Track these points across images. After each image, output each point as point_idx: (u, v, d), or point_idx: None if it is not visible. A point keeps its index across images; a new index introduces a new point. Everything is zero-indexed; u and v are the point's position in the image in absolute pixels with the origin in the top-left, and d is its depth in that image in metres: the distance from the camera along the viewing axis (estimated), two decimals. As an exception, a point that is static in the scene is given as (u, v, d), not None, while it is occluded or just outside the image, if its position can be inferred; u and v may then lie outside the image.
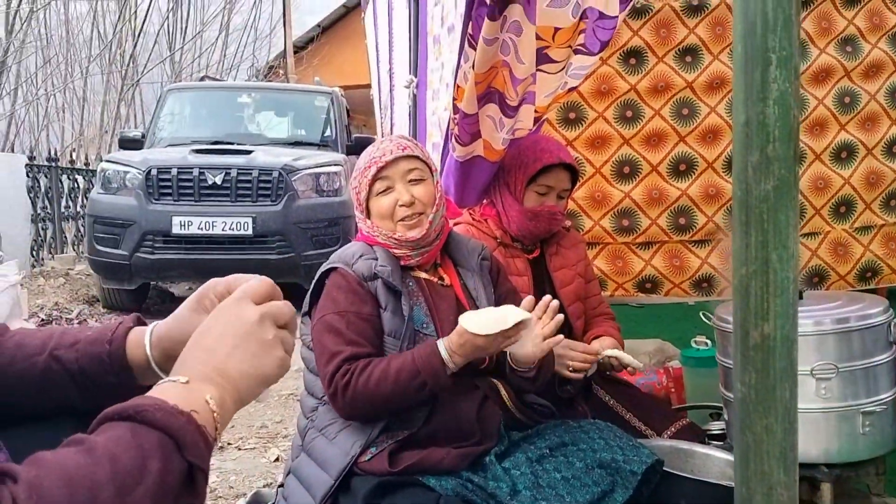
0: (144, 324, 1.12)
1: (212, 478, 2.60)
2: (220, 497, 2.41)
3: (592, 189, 3.52)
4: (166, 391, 0.83)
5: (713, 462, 2.11)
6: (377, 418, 1.73)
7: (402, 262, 1.89)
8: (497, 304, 1.98)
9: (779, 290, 0.63)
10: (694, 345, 2.90)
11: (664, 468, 1.85)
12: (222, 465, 2.74)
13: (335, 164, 6.55)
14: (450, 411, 1.77)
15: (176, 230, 6.00)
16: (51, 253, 8.09)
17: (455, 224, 2.48)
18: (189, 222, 6.02)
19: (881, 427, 1.95)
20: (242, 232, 6.04)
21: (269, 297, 0.96)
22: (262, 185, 6.13)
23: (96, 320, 5.98)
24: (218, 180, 6.11)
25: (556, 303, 1.74)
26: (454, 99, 2.12)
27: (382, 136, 3.11)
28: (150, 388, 1.08)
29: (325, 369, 1.73)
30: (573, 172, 2.38)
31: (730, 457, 2.09)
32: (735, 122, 0.66)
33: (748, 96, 0.64)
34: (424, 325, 1.82)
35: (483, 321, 1.64)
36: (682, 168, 3.54)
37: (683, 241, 3.60)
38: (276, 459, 2.77)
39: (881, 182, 3.63)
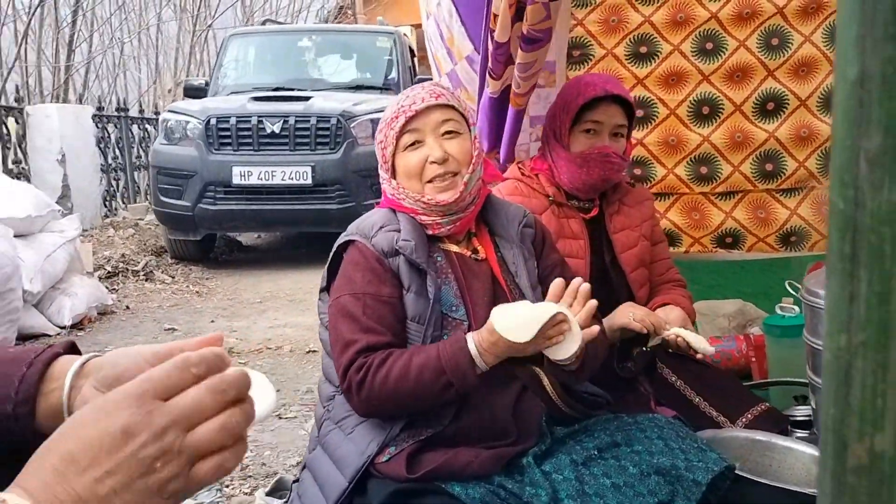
0: (78, 352, 0.89)
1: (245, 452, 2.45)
2: (251, 476, 2.25)
3: (666, 133, 3.16)
4: None
5: (796, 457, 1.81)
6: (398, 417, 1.51)
7: (431, 232, 1.63)
8: (541, 279, 1.71)
9: (908, 378, 0.35)
10: (779, 311, 2.55)
11: (737, 472, 1.57)
12: (259, 436, 2.59)
13: (397, 109, 6.28)
14: (483, 406, 1.53)
15: (236, 181, 5.91)
16: (123, 203, 8.17)
17: (504, 180, 2.20)
18: (249, 172, 5.90)
19: None
20: (301, 182, 5.89)
21: (182, 385, 0.63)
22: (320, 132, 5.94)
23: (162, 271, 5.98)
24: (276, 129, 5.95)
25: (586, 286, 1.45)
26: (490, 30, 1.83)
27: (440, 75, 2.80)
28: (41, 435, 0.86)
29: (339, 360, 1.51)
30: (627, 107, 2.04)
31: (815, 451, 1.79)
32: (838, 78, 0.37)
33: (867, 34, 0.35)
34: (454, 308, 1.57)
35: (515, 323, 1.38)
36: (770, 107, 3.12)
37: (770, 189, 3.21)
38: (316, 433, 2.61)
39: (814, 139, 3.11)
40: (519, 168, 2.18)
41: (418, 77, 7.52)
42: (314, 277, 5.97)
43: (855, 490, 0.37)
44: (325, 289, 1.69)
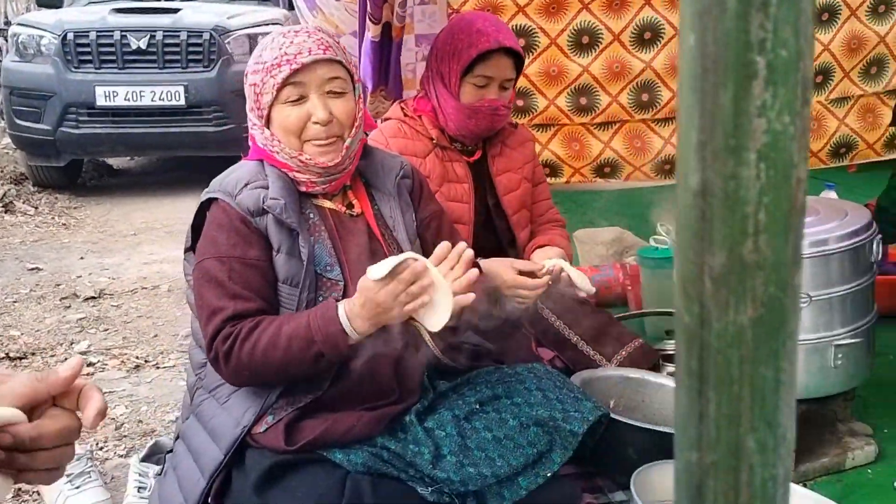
0: None
1: (120, 409, 2.36)
2: (126, 435, 2.17)
3: (547, 63, 3.14)
4: None
5: (666, 392, 1.91)
6: (271, 387, 1.47)
7: (305, 189, 1.55)
8: (420, 230, 1.68)
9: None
10: (653, 242, 2.64)
11: (612, 416, 1.64)
12: (135, 390, 2.49)
13: (274, 23, 5.96)
14: (363, 366, 1.50)
15: (100, 102, 5.50)
16: (-26, 124, 7.48)
17: (385, 120, 2.13)
18: (114, 93, 5.50)
19: (854, 359, 1.74)
20: (174, 102, 5.55)
21: None
22: (191, 48, 5.58)
23: (24, 201, 5.56)
24: (142, 44, 5.54)
25: (469, 253, 1.41)
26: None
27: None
28: None
29: (205, 328, 1.45)
30: (518, 58, 2.02)
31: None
32: (681, 186, 0.35)
33: (708, 142, 0.32)
34: (328, 268, 1.52)
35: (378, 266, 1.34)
36: (648, 36, 3.15)
37: (646, 119, 3.27)
38: (197, 382, 2.53)
39: (863, 47, 3.28)
40: (402, 108, 2.11)
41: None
42: (194, 206, 5.74)
43: None
44: (191, 248, 1.60)
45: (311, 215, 1.56)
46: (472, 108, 1.98)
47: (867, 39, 3.26)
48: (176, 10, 5.84)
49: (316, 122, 1.47)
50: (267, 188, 1.50)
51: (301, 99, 1.48)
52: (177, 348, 2.82)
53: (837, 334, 1.70)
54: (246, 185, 1.51)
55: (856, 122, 3.37)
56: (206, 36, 5.60)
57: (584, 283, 1.96)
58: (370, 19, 1.80)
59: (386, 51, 1.96)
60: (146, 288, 3.60)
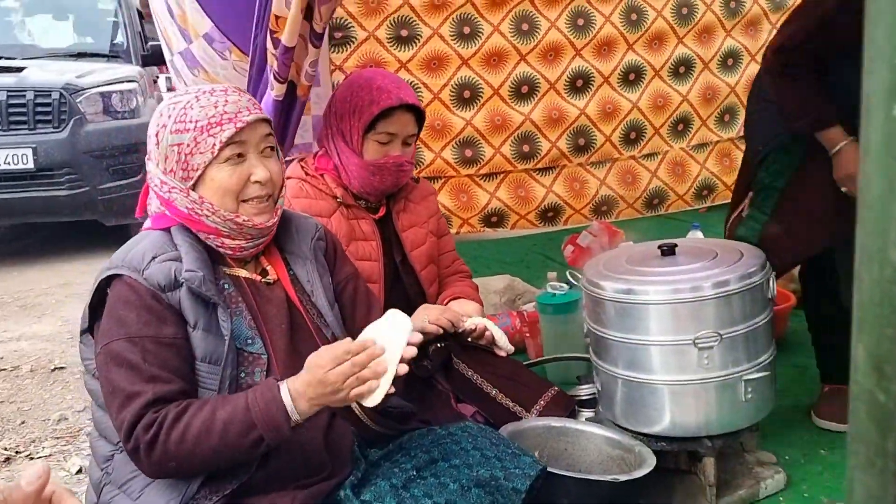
0: None
1: (-6, 511, 2.10)
2: (5, 541, 1.92)
3: (431, 117, 3.17)
4: None
5: (587, 438, 1.92)
6: (194, 476, 1.35)
7: (231, 253, 1.46)
8: (337, 294, 1.62)
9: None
10: (549, 289, 2.68)
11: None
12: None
13: (129, 80, 5.72)
14: (292, 443, 1.41)
15: (-62, 167, 5.03)
16: None
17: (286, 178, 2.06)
18: (-47, 157, 5.05)
19: (762, 392, 1.82)
20: (21, 166, 5.16)
21: None
22: (39, 109, 5.23)
23: None
24: (-16, 106, 5.14)
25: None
26: (272, 32, 1.68)
27: (171, 53, 2.43)
28: None
29: (119, 416, 1.31)
30: (419, 113, 2.02)
31: (604, 431, 1.91)
32: (874, 262, 0.34)
33: None
34: (249, 342, 1.42)
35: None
36: (525, 90, 3.26)
37: (527, 169, 3.37)
38: (79, 471, 2.28)
39: (717, 97, 3.56)
40: (302, 167, 2.05)
41: (151, 44, 6.88)
42: (48, 276, 5.30)
43: None
44: (88, 330, 1.46)
45: (227, 286, 1.46)
46: (377, 165, 1.96)
47: (720, 90, 3.54)
48: (20, 69, 5.48)
49: (256, 182, 1.41)
50: (179, 260, 1.40)
51: (241, 158, 1.41)
52: (50, 435, 2.55)
53: (746, 369, 1.78)
54: (154, 258, 1.39)
55: (715, 165, 3.63)
56: (55, 95, 5.27)
57: (504, 342, 1.99)
58: (276, 78, 1.75)
59: (287, 110, 1.91)
60: (4, 370, 3.25)
